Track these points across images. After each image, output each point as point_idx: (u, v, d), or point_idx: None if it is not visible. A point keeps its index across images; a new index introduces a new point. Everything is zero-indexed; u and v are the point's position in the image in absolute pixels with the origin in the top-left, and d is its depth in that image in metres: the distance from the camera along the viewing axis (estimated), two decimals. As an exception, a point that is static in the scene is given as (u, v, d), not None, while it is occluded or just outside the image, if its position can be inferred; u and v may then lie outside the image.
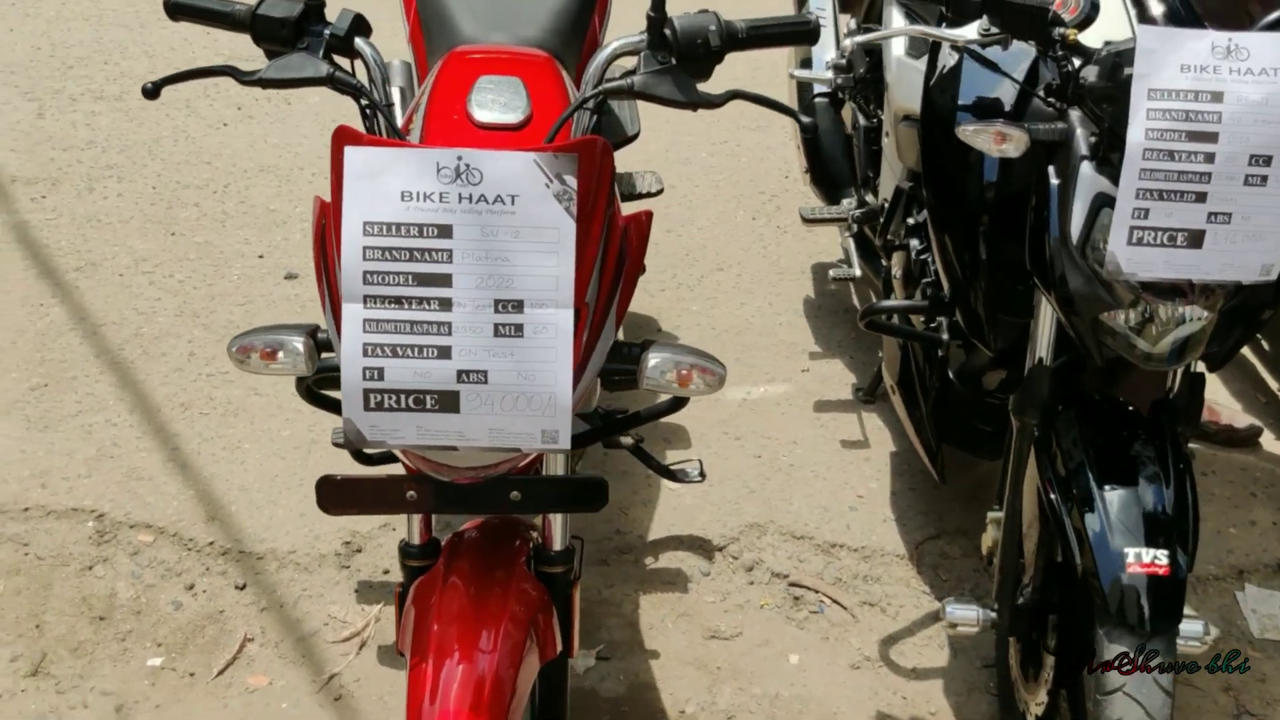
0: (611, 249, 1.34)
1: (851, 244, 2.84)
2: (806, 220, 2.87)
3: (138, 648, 2.24)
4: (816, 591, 2.46)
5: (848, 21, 3.06)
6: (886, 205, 2.60)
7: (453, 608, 1.48)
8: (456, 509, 1.42)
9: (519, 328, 1.24)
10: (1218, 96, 1.53)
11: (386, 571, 2.41)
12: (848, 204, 2.88)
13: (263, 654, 2.25)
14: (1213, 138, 1.54)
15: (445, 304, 1.24)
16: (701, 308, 3.18)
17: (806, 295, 3.27)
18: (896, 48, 2.43)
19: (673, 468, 2.35)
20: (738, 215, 3.57)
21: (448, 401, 1.25)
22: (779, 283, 3.31)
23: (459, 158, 1.23)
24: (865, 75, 2.76)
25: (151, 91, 1.43)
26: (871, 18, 2.99)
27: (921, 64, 2.31)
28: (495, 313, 1.24)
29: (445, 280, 1.24)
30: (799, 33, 1.48)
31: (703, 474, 2.33)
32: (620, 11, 2.45)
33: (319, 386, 1.57)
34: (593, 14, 2.21)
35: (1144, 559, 1.68)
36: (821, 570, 2.51)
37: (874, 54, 2.76)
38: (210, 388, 2.80)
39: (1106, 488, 1.74)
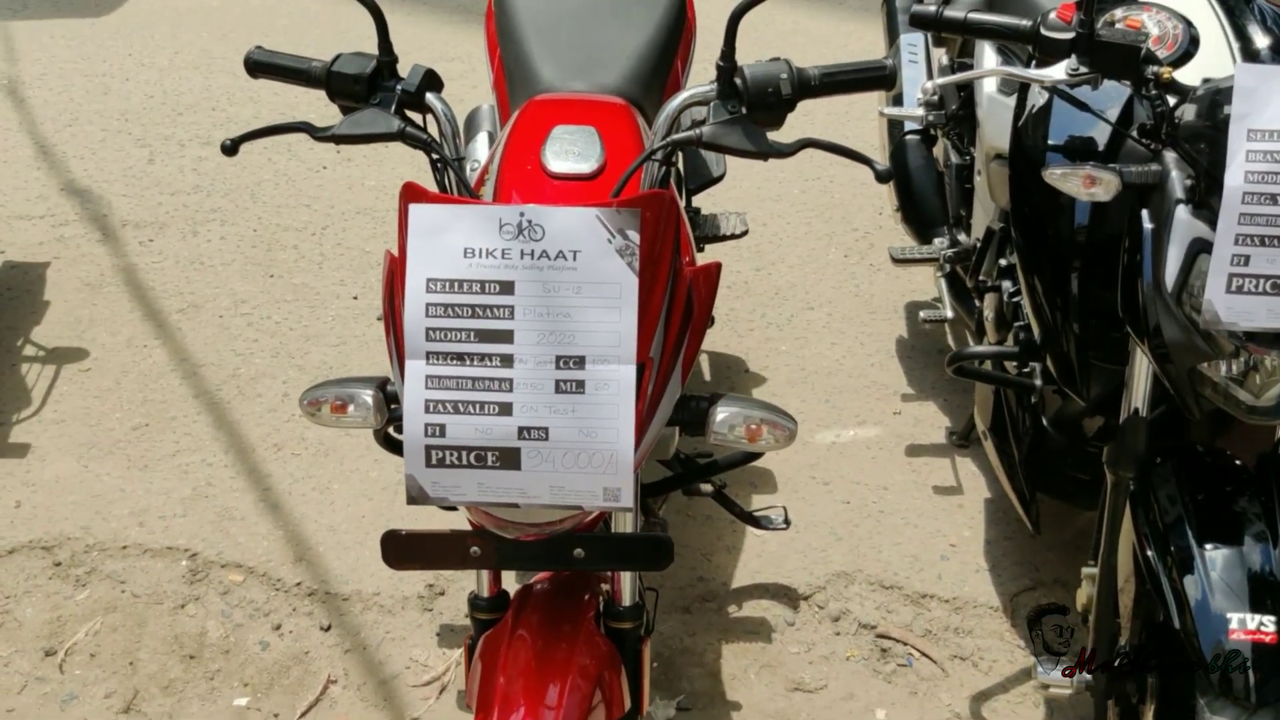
0: (678, 302, 1.32)
1: (944, 284, 2.77)
2: (896, 260, 2.81)
3: (225, 687, 2.27)
4: (905, 644, 2.39)
5: (939, 57, 3.00)
6: (978, 245, 2.53)
7: (519, 662, 1.47)
8: (519, 565, 1.41)
9: (580, 384, 1.23)
10: (1323, 136, 1.45)
11: (468, 615, 2.41)
12: (940, 243, 2.82)
13: (345, 696, 2.26)
14: (1318, 180, 1.46)
15: (506, 360, 1.23)
16: (790, 347, 3.14)
17: (899, 335, 3.20)
18: (989, 84, 2.37)
19: (756, 514, 2.31)
20: (829, 253, 3.52)
21: (509, 458, 1.24)
22: (871, 322, 3.24)
23: (521, 214, 1.22)
24: (958, 111, 2.69)
25: (230, 149, 1.47)
26: (966, 53, 2.92)
27: (1012, 101, 2.26)
28: (557, 369, 1.23)
29: (507, 336, 1.23)
30: (874, 78, 1.45)
31: (787, 521, 2.29)
32: (705, 56, 2.44)
33: (398, 433, 1.58)
34: (674, 59, 2.20)
35: (1249, 625, 1.58)
36: (911, 621, 2.43)
37: (967, 90, 2.70)
38: (302, 428, 2.84)
39: (1208, 546, 1.65)
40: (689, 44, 2.29)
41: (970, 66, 2.60)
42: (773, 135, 1.47)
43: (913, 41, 2.85)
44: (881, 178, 1.45)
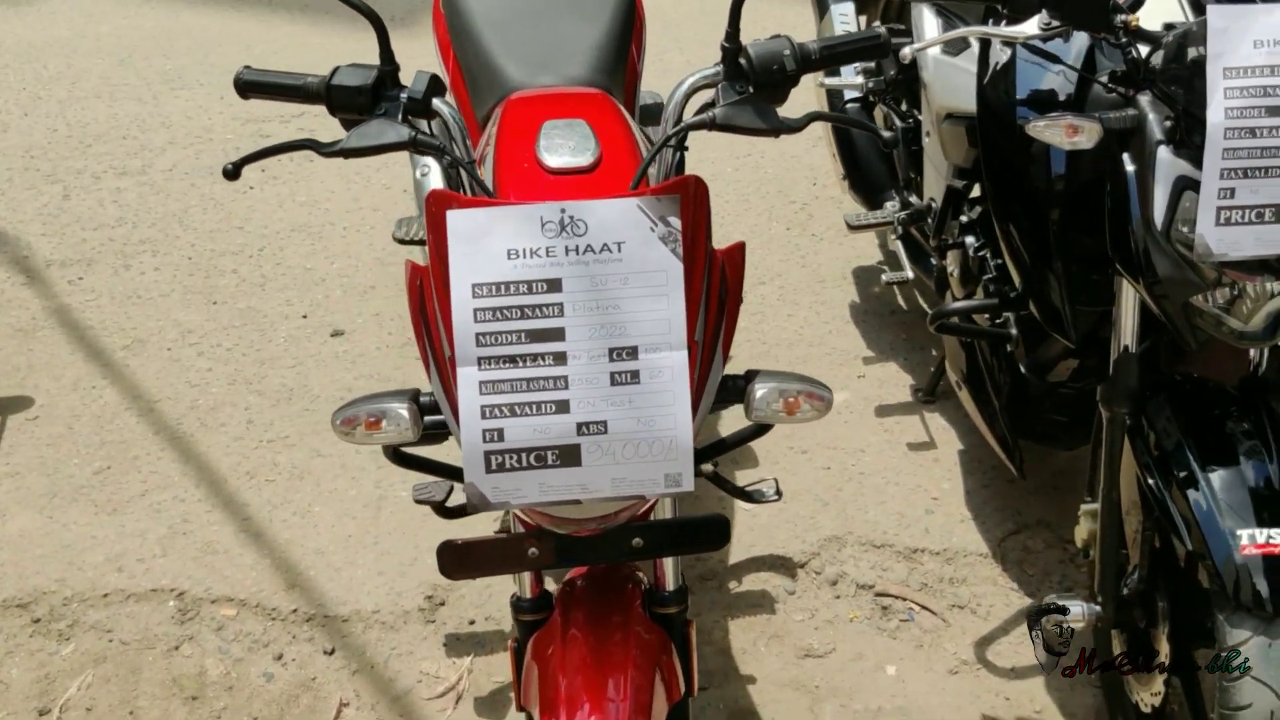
0: (714, 283, 1.33)
1: (900, 247, 2.82)
2: (853, 228, 2.86)
3: (235, 723, 2.23)
4: (904, 599, 2.44)
5: (859, 24, 3.05)
6: (934, 205, 2.59)
7: (576, 659, 1.47)
8: (579, 561, 1.41)
9: (635, 374, 1.23)
10: (1293, 69, 1.52)
11: (472, 622, 2.40)
12: (890, 207, 2.87)
13: (360, 717, 2.23)
14: (1292, 111, 1.53)
15: (560, 358, 1.23)
16: (749, 323, 3.17)
17: (851, 301, 3.26)
18: (933, 49, 2.42)
19: (748, 489, 2.33)
20: (771, 227, 3.56)
21: (569, 455, 1.24)
22: (822, 291, 3.29)
23: (562, 210, 1.22)
24: (896, 77, 2.75)
25: (232, 172, 1.43)
26: (888, 19, 2.98)
27: (961, 61, 2.31)
28: (610, 361, 1.23)
29: (558, 334, 1.23)
30: (870, 48, 1.48)
31: (779, 492, 2.31)
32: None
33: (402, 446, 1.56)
34: (631, 47, 2.20)
35: (1258, 539, 1.65)
36: (906, 577, 2.49)
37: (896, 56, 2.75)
38: (272, 453, 2.79)
39: (1209, 469, 1.72)
40: (641, 32, 2.30)
41: (904, 33, 2.65)
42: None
43: (844, 11, 2.90)
44: (888, 144, 1.48)
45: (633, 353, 1.23)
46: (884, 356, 3.07)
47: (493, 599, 2.43)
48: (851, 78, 2.83)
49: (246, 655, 2.35)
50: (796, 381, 1.40)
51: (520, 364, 1.23)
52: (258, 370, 3.03)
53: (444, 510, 1.97)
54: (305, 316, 3.22)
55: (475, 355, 1.23)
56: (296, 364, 3.06)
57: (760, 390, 1.39)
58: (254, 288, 3.33)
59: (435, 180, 2.70)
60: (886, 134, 1.46)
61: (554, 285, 1.22)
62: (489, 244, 1.22)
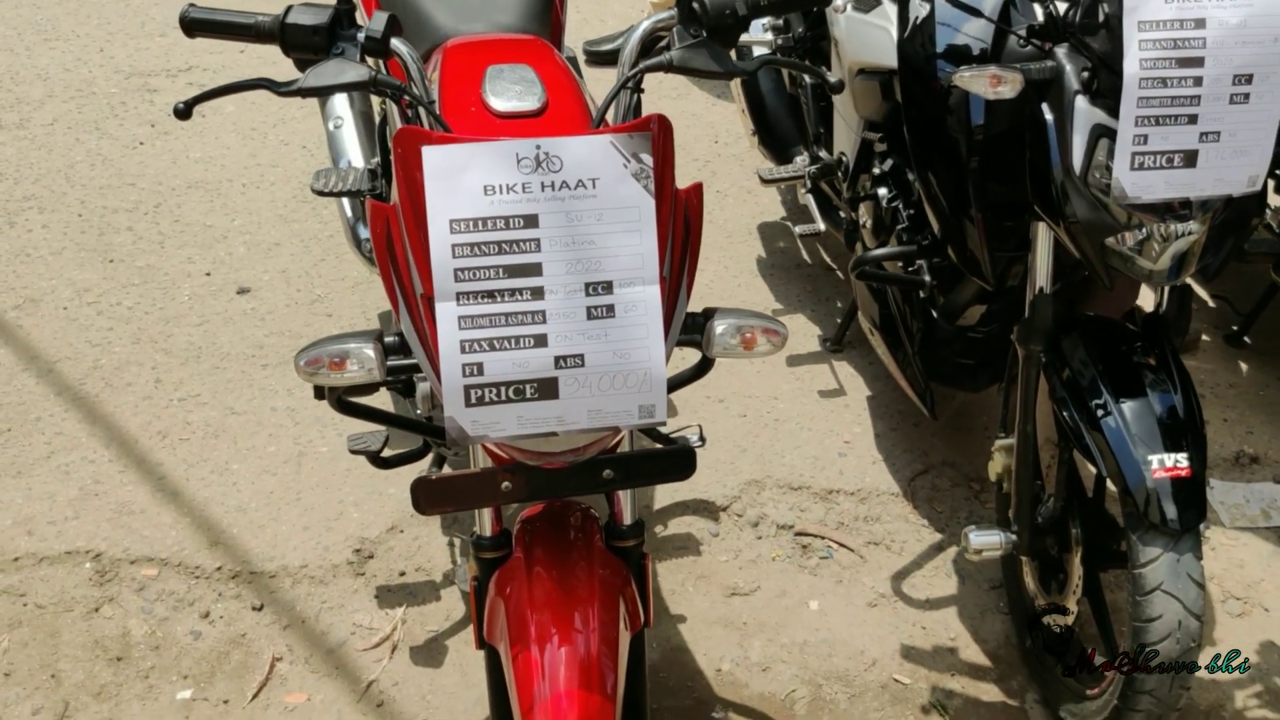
0: (678, 221, 1.37)
1: (811, 200, 2.90)
2: (765, 181, 2.93)
3: (163, 683, 2.19)
4: (823, 538, 2.54)
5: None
6: (844, 159, 2.67)
7: (542, 594, 1.50)
8: (552, 494, 1.44)
9: (610, 309, 1.27)
10: (1200, 23, 1.63)
11: (402, 574, 2.40)
12: (800, 162, 2.95)
13: (295, 671, 2.22)
14: (1199, 62, 1.64)
15: (537, 293, 1.25)
16: (660, 278, 3.21)
17: (758, 255, 3.33)
18: (843, 4, 2.49)
19: (673, 435, 2.39)
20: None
21: (547, 389, 1.27)
22: (729, 246, 3.36)
23: (538, 147, 1.24)
24: (805, 34, 2.82)
25: (184, 111, 1.40)
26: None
27: (872, 18, 2.39)
28: (587, 296, 1.26)
29: (536, 269, 1.25)
30: (813, -4, 1.52)
31: (703, 438, 2.38)
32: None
33: (348, 395, 1.57)
34: (555, -4, 2.21)
35: (1166, 463, 1.78)
36: (823, 517, 2.59)
37: (810, 14, 2.82)
38: (184, 412, 2.73)
39: (1121, 400, 1.84)
40: (564, -17, 2.31)
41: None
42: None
43: (750, -31, 2.94)
44: (835, 89, 1.53)
45: (608, 287, 1.26)
46: (792, 309, 3.15)
47: (421, 550, 2.44)
48: (762, 35, 2.89)
49: (171, 615, 2.31)
50: (754, 318, 1.45)
51: (498, 299, 1.25)
52: (162, 329, 2.96)
53: (379, 460, 1.98)
54: (208, 274, 3.15)
55: (454, 291, 1.24)
56: (203, 322, 2.99)
57: (720, 326, 1.44)
58: (152, 245, 3.23)
59: (349, 132, 2.67)
60: (833, 79, 1.52)
61: (531, 221, 1.24)
62: (465, 179, 1.24)
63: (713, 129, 3.84)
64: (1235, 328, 3.07)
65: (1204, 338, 3.11)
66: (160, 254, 3.21)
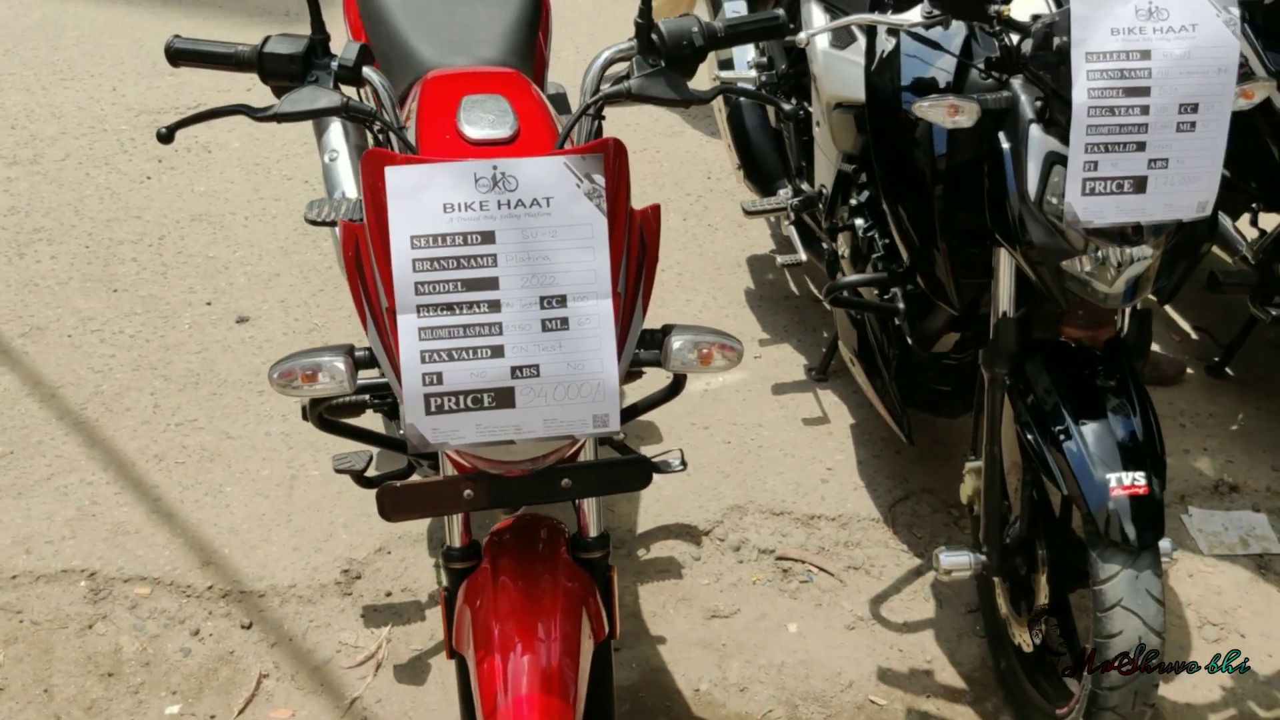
0: (634, 239, 1.43)
1: (794, 231, 2.97)
2: (749, 213, 3.00)
3: (153, 698, 2.24)
4: (803, 562, 2.58)
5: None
6: (824, 191, 2.74)
7: (507, 604, 1.55)
8: (511, 501, 1.49)
9: (564, 321, 1.33)
10: (1146, 54, 1.69)
11: (389, 594, 2.45)
12: (784, 194, 3.02)
13: (281, 688, 2.27)
14: (1145, 92, 1.70)
15: (494, 305, 1.31)
16: (651, 307, 3.24)
17: (746, 287, 3.40)
18: (822, 41, 2.57)
19: (655, 459, 2.44)
20: (669, 218, 3.68)
21: (504, 397, 1.33)
22: (718, 277, 3.43)
23: (494, 167, 1.31)
24: (788, 70, 2.89)
25: (166, 136, 1.47)
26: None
27: (848, 54, 2.46)
28: (541, 309, 1.32)
29: (492, 283, 1.31)
30: (771, 28, 1.60)
31: (684, 462, 2.43)
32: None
33: (330, 414, 1.63)
34: (538, 32, 2.29)
35: (1125, 482, 1.82)
36: (805, 541, 2.63)
37: (795, 50, 2.90)
38: (181, 436, 2.80)
39: (1082, 423, 1.88)
40: (547, 18, 2.40)
41: (796, 30, 2.80)
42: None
43: (735, 8, 3.04)
44: (790, 116, 1.60)
45: (562, 301, 1.33)
46: (778, 338, 3.21)
47: (408, 570, 2.49)
48: (746, 72, 2.97)
49: (162, 632, 2.36)
50: (710, 334, 1.51)
51: (457, 311, 1.31)
52: (162, 356, 3.03)
53: (363, 480, 2.04)
54: (209, 303, 3.23)
55: (414, 303, 1.31)
56: (202, 349, 3.07)
57: (677, 342, 1.49)
58: (155, 275, 3.32)
59: (344, 165, 2.75)
60: (787, 106, 1.58)
61: (487, 237, 1.31)
62: (426, 198, 1.30)
63: (706, 165, 3.92)
64: (1216, 359, 3.11)
65: (1188, 370, 3.15)
66: (163, 284, 3.29)
